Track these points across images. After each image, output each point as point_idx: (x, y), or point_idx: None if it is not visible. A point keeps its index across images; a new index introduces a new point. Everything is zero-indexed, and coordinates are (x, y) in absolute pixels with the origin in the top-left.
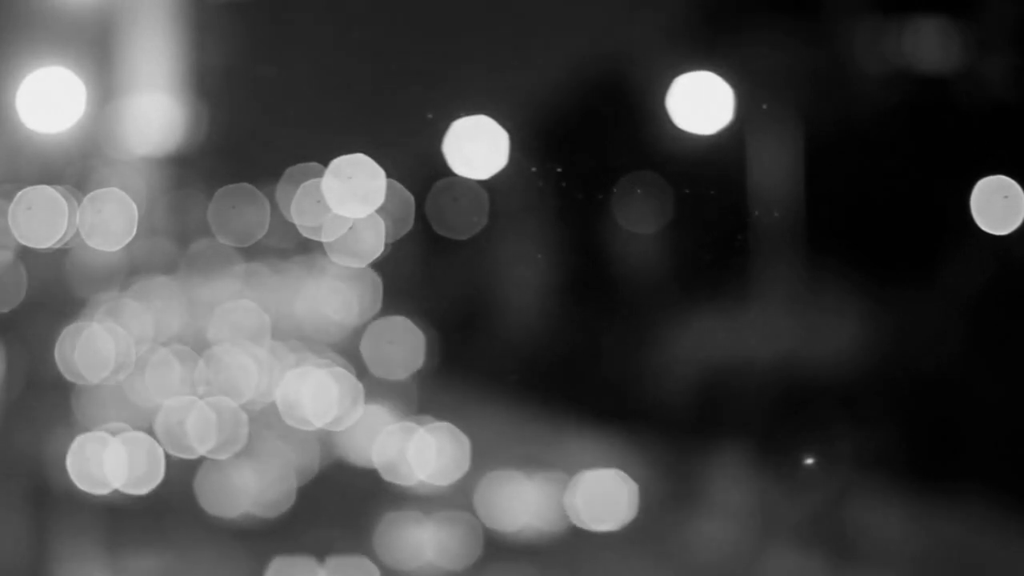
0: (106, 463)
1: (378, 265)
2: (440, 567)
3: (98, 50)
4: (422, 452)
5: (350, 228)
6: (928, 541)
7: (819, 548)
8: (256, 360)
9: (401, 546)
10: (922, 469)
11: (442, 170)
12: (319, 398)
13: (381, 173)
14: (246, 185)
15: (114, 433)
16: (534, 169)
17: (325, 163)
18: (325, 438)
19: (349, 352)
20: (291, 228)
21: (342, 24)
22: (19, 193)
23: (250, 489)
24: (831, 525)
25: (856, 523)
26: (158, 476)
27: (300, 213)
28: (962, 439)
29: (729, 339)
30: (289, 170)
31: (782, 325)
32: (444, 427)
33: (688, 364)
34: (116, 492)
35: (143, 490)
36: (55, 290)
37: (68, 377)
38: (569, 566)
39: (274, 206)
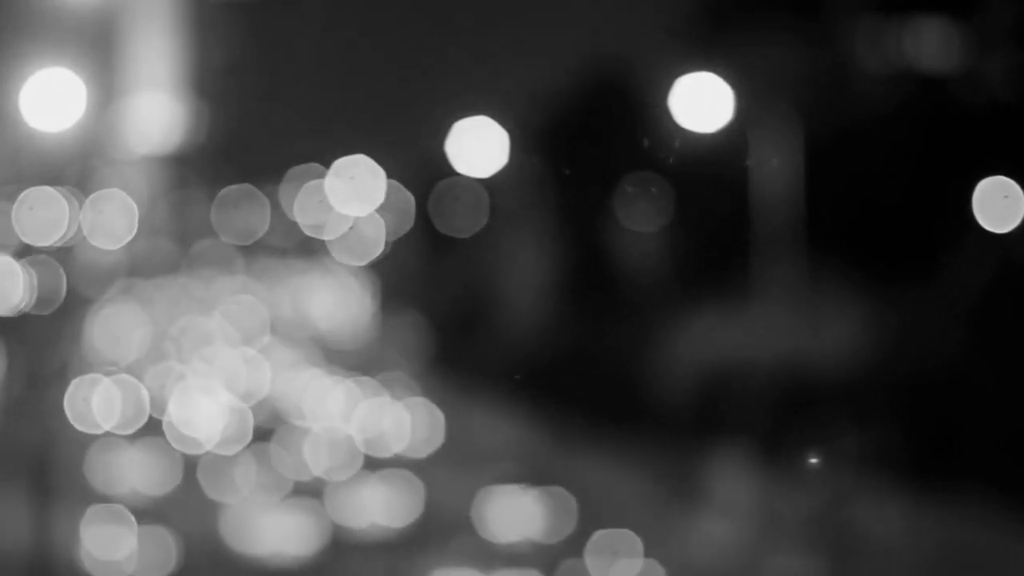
0: (97, 407)
1: (379, 264)
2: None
3: (100, 51)
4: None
5: (351, 228)
6: (928, 541)
7: (820, 547)
8: (243, 351)
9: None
10: (923, 469)
11: (444, 170)
12: (285, 377)
13: (382, 173)
14: (248, 185)
15: (107, 375)
16: (535, 169)
17: (327, 163)
18: (282, 405)
19: (341, 346)
20: (293, 228)
21: (343, 26)
22: (22, 194)
23: (212, 433)
24: (832, 524)
25: (857, 522)
26: (142, 419)
27: (302, 213)
28: (963, 439)
29: (731, 339)
30: (291, 170)
31: (783, 325)
32: (367, 381)
33: (690, 363)
34: (107, 433)
35: (129, 431)
36: (57, 289)
37: (72, 370)
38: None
39: (276, 206)
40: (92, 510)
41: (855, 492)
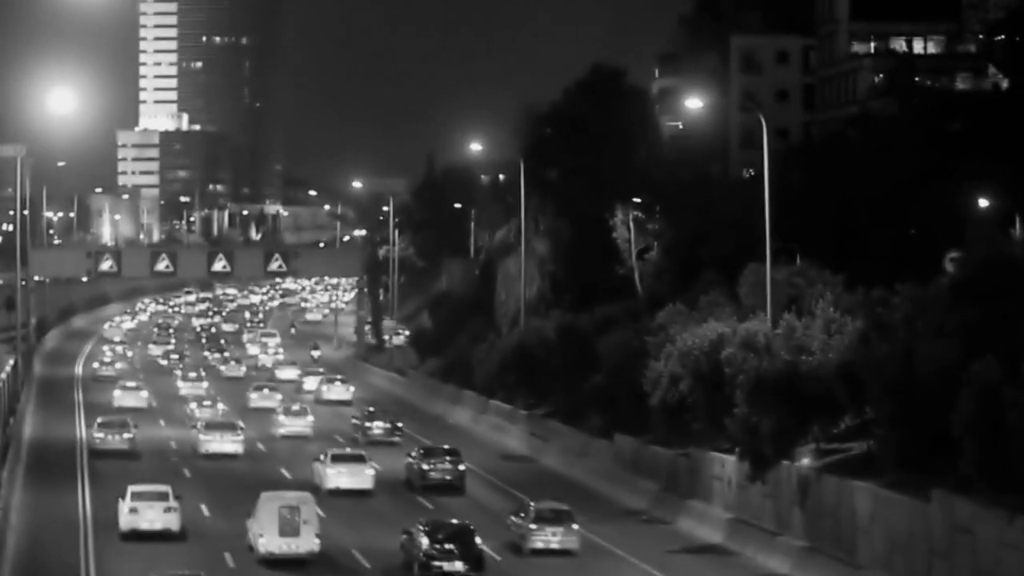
0: (110, 368)
1: (378, 269)
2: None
3: (108, 71)
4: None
5: (350, 238)
6: (926, 539)
7: (816, 546)
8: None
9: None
10: (921, 467)
11: (444, 174)
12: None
13: (379, 186)
14: (252, 206)
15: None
16: (532, 176)
17: (326, 181)
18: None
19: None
20: (293, 241)
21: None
22: (28, 214)
23: (196, 394)
24: (828, 523)
25: (854, 521)
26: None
27: (300, 230)
28: (960, 437)
29: (727, 339)
30: (300, 193)
31: (781, 325)
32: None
33: (686, 365)
34: (102, 377)
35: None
36: (67, 304)
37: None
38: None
39: (277, 226)
40: (101, 416)
41: (852, 491)
